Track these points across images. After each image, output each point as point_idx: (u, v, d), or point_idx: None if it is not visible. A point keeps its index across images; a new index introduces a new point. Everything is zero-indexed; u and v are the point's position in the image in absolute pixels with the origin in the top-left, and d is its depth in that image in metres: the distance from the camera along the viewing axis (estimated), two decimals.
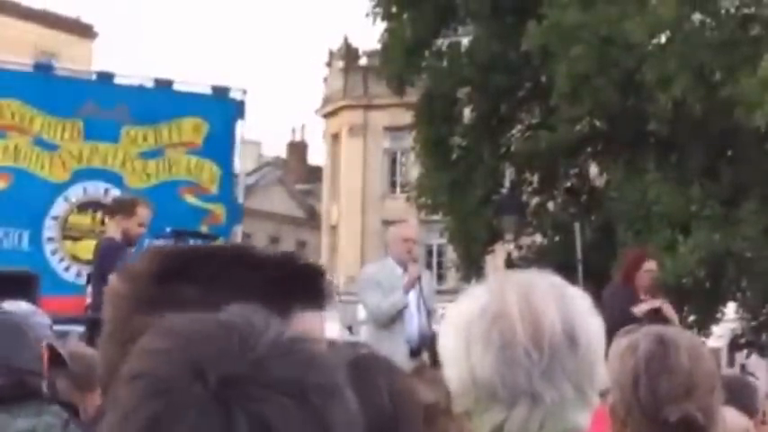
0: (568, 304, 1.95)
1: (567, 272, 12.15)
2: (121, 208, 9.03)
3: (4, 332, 2.80)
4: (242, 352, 1.08)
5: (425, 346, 8.66)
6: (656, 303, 9.40)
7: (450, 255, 28.70)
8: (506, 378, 1.88)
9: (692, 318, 21.03)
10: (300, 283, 1.47)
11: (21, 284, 6.12)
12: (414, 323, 9.05)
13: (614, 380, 2.52)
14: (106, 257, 8.62)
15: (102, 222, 10.80)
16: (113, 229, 8.93)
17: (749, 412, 4.14)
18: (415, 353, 8.78)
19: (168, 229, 9.02)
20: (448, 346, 1.97)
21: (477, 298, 1.98)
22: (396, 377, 2.74)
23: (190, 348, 1.09)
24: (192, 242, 9.61)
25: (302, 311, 1.45)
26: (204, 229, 11.34)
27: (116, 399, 1.10)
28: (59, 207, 11.28)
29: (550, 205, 25.01)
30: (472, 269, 24.07)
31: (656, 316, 8.84)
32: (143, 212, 8.91)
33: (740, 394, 4.25)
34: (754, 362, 26.18)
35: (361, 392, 2.66)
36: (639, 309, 9.18)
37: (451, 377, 1.94)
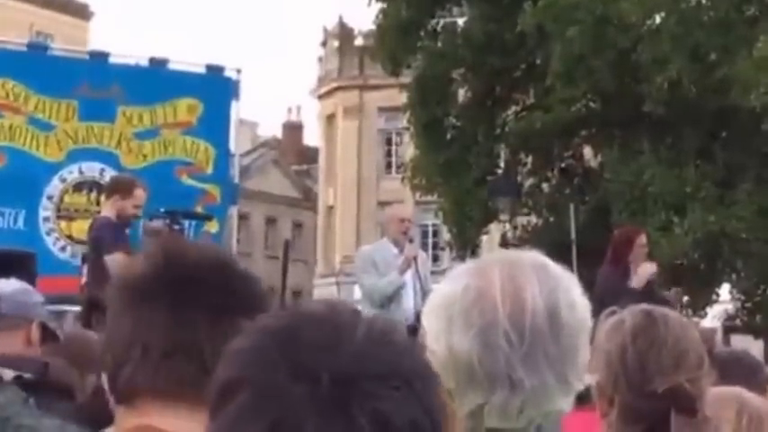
0: (553, 284, 1.91)
1: (562, 252, 12.19)
2: (119, 188, 8.98)
3: None
4: (340, 346, 1.09)
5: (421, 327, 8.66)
6: (651, 269, 9.38)
7: (446, 235, 28.71)
8: (484, 360, 1.85)
9: (686, 299, 21.05)
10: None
11: (18, 264, 6.13)
12: (410, 303, 9.07)
13: (601, 357, 2.52)
14: (101, 237, 8.60)
15: (98, 202, 10.79)
16: (109, 209, 8.90)
17: (759, 391, 3.70)
18: (411, 333, 8.79)
19: (162, 210, 8.98)
20: (431, 322, 1.95)
21: (460, 276, 1.95)
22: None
23: (287, 347, 1.08)
24: (186, 222, 9.61)
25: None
26: (199, 209, 11.34)
27: (221, 407, 1.09)
28: (55, 187, 11.28)
29: (545, 186, 25.02)
30: (467, 250, 24.08)
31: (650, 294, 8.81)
32: (140, 194, 8.88)
33: (750, 372, 4.10)
34: (746, 342, 26.21)
35: None
36: (638, 281, 9.17)
37: (432, 354, 1.92)
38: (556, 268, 1.96)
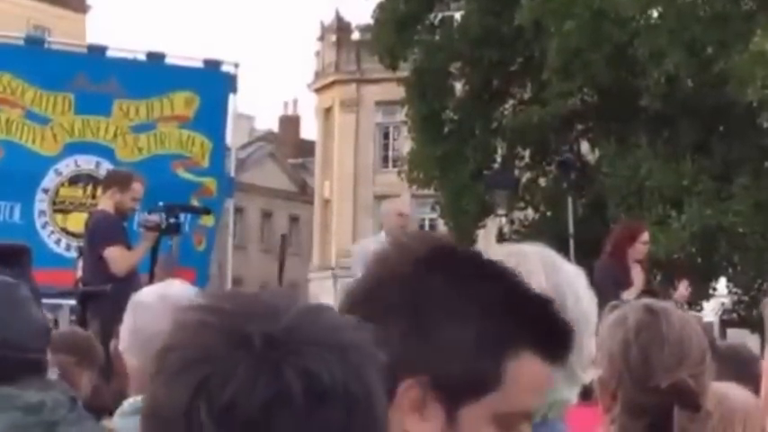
0: (559, 277, 1.92)
1: (559, 247, 12.17)
2: (117, 181, 8.95)
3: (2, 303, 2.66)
4: (276, 318, 1.11)
5: None
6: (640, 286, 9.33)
7: (442, 229, 28.70)
8: None
9: None
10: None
11: (13, 257, 6.11)
12: None
13: (604, 352, 2.51)
14: (99, 230, 8.58)
15: (93, 195, 10.77)
16: (106, 202, 8.87)
17: (751, 384, 3.44)
18: None
19: (160, 203, 8.96)
20: None
21: None
22: None
23: (224, 319, 1.12)
24: (183, 216, 9.59)
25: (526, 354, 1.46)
26: (195, 202, 11.32)
27: (159, 367, 1.12)
28: (50, 180, 11.25)
29: (542, 180, 25.01)
30: (464, 244, 24.05)
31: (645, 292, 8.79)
32: (137, 187, 8.86)
33: (744, 365, 4.02)
34: (743, 336, 26.21)
35: None
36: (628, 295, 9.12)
37: None
38: (562, 261, 1.97)
